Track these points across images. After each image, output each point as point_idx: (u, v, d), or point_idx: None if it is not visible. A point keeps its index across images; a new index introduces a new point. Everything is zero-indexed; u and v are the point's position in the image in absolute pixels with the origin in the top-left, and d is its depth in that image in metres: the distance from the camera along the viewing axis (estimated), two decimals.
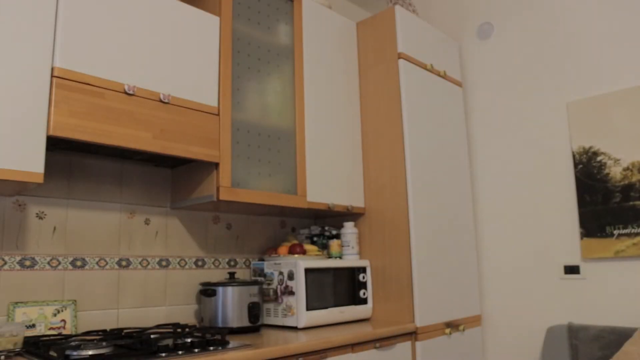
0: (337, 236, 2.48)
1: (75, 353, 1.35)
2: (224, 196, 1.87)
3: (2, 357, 1.41)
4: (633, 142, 2.26)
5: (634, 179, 2.24)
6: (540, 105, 2.62)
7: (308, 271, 2.08)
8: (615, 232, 2.26)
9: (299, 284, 2.05)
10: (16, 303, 1.63)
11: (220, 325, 1.91)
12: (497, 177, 2.74)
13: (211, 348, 1.52)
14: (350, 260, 2.33)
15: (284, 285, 2.09)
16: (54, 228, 1.77)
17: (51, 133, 1.45)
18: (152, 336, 1.49)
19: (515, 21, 2.76)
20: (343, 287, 2.23)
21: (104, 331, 1.72)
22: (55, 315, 1.70)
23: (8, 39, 1.41)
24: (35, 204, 1.74)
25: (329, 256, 2.38)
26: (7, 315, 1.61)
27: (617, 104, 2.32)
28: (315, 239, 2.50)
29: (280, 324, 2.08)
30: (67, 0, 1.54)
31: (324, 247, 2.47)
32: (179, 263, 2.10)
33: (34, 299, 1.69)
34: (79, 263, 1.81)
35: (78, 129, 1.51)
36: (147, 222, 2.02)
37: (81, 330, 1.78)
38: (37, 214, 1.73)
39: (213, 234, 2.25)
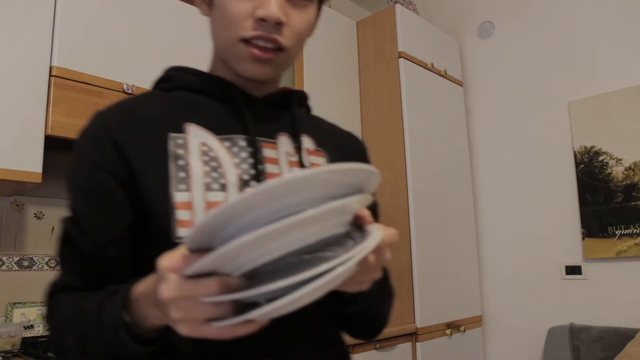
0: None
1: None
2: None
3: (0, 358, 1.40)
4: (635, 141, 2.24)
5: (636, 179, 2.22)
6: (541, 105, 2.60)
7: None
8: (617, 232, 2.24)
9: None
10: (14, 304, 1.62)
11: None
12: (498, 177, 2.72)
13: None
14: None
15: None
16: (53, 228, 1.76)
17: (49, 132, 1.44)
18: None
19: (516, 20, 2.75)
20: None
21: None
22: None
23: (6, 38, 1.40)
24: (33, 204, 1.72)
25: None
26: (5, 316, 1.60)
27: (619, 103, 2.31)
28: None
29: None
30: None
31: None
32: None
33: (32, 299, 1.68)
34: None
35: (76, 128, 1.49)
36: None
37: None
38: (35, 214, 1.72)
39: None
